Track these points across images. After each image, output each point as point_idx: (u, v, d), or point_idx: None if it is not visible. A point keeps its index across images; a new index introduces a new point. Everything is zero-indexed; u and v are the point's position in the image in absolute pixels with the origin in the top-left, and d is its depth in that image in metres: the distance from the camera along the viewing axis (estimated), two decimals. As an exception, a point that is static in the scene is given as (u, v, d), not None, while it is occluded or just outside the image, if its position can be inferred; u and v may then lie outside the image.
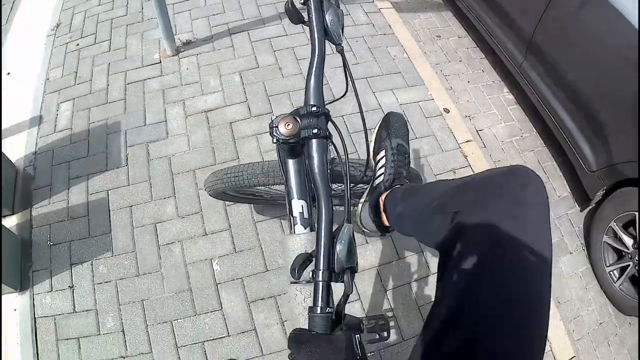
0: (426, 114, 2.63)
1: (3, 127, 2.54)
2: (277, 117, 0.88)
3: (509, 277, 0.76)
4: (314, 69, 0.97)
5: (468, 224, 0.85)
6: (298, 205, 1.02)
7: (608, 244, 2.24)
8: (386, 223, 1.36)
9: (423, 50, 3.02)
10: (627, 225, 2.18)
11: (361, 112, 1.01)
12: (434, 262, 2.09)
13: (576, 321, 2.15)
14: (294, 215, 1.01)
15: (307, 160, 0.92)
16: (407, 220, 1.22)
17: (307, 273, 0.84)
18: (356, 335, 0.79)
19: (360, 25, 3.05)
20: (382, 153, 1.45)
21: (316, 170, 0.89)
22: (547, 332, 0.75)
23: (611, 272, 2.23)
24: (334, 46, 1.03)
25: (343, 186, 1.77)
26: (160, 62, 2.77)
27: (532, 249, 0.77)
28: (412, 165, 2.37)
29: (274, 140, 0.88)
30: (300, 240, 0.94)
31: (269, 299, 1.97)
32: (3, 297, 1.99)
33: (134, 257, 2.07)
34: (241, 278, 2.02)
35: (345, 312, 0.80)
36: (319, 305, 0.76)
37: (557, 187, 2.56)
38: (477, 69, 3.05)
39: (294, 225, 1.01)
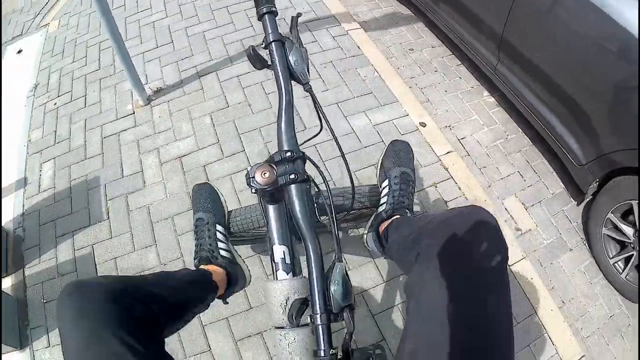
0: (402, 131, 2.71)
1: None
2: (252, 166, 0.90)
3: (470, 315, 0.82)
4: (283, 113, 1.01)
5: (430, 269, 0.88)
6: (280, 251, 1.03)
7: (608, 235, 2.25)
8: None
9: (396, 66, 3.13)
10: (625, 215, 2.19)
11: (338, 144, 1.06)
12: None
13: (583, 318, 2.16)
14: (275, 261, 1.03)
15: (288, 205, 0.97)
16: (395, 252, 1.29)
17: (305, 317, 0.90)
18: None
19: (327, 50, 3.18)
20: (386, 182, 1.53)
21: (299, 215, 0.93)
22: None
23: (616, 264, 2.23)
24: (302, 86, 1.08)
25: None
26: (134, 112, 2.94)
27: (491, 288, 0.83)
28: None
29: (253, 191, 0.91)
30: (283, 286, 0.96)
31: (256, 335, 2.07)
32: (4, 357, 2.14)
33: (121, 308, 2.20)
34: (226, 318, 2.12)
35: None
36: (323, 348, 0.81)
37: (550, 185, 2.59)
38: (454, 77, 3.13)
39: (276, 271, 1.02)
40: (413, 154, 1.63)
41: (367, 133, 2.69)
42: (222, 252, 1.51)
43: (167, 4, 3.72)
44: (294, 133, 1.01)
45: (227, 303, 1.54)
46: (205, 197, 1.61)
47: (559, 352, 2.02)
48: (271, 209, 1.05)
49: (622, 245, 2.24)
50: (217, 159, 2.63)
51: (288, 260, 1.03)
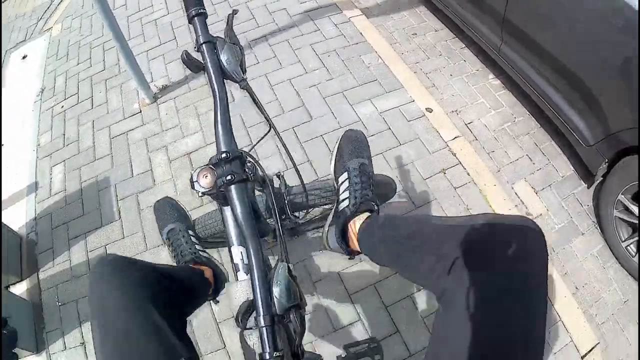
0: (408, 117, 2.67)
1: (3, 198, 2.75)
2: (195, 170, 0.91)
3: (507, 322, 0.78)
4: (218, 114, 1.00)
5: (471, 277, 0.84)
6: (237, 252, 1.02)
7: (620, 218, 2.18)
8: (355, 248, 1.36)
9: (399, 52, 3.08)
10: (637, 196, 2.10)
11: (284, 146, 1.08)
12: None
13: (598, 304, 2.11)
14: (235, 262, 1.01)
15: (230, 206, 0.93)
16: (385, 251, 1.21)
17: (252, 320, 0.87)
18: None
19: (330, 39, 3.14)
20: (345, 175, 1.42)
21: (240, 216, 0.91)
22: None
23: (628, 247, 2.16)
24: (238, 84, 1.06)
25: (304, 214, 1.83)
26: (141, 111, 2.93)
27: (530, 308, 0.80)
28: (397, 173, 2.41)
29: (199, 195, 0.91)
30: (242, 287, 0.93)
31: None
32: (22, 360, 2.16)
33: (137, 307, 2.19)
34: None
35: (307, 348, 0.83)
36: (267, 351, 0.78)
37: (559, 167, 2.53)
38: (459, 60, 3.06)
39: (237, 272, 1.01)
40: (367, 143, 1.50)
41: (373, 121, 2.65)
42: (202, 253, 1.50)
43: (168, 1, 3.69)
44: (231, 133, 1.00)
45: (219, 302, 1.51)
46: (170, 209, 1.61)
47: (574, 340, 1.98)
48: (226, 210, 1.04)
49: (634, 228, 2.16)
50: (224, 153, 2.58)
51: (246, 261, 1.00)
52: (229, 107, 1.03)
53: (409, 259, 1.08)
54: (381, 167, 2.44)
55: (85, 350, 2.14)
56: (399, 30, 3.27)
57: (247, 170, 0.97)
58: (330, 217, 1.46)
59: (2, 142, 3.09)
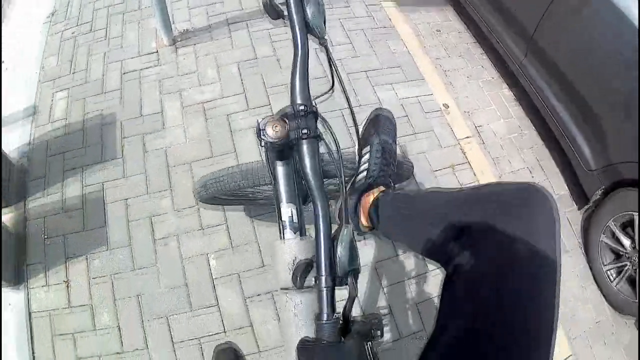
0: (425, 109, 2.61)
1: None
2: (263, 119, 0.84)
3: (517, 288, 0.75)
4: (298, 66, 0.93)
5: (478, 243, 0.83)
6: (287, 210, 0.98)
7: (606, 243, 2.23)
8: (365, 222, 1.34)
9: (423, 45, 3.00)
10: (625, 226, 2.16)
11: (350, 106, 1.01)
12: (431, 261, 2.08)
13: (573, 320, 2.14)
14: (283, 219, 0.98)
15: (298, 162, 0.90)
16: (398, 226, 1.21)
17: (309, 279, 0.84)
18: (368, 343, 0.76)
19: (360, 17, 3.02)
20: (367, 149, 1.41)
21: (309, 172, 0.87)
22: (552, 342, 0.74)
23: (608, 272, 2.22)
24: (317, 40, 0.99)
25: (335, 181, 1.75)
26: (157, 51, 2.73)
27: (542, 269, 0.77)
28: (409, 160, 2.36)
29: (262, 144, 0.84)
30: (290, 246, 0.91)
31: (266, 294, 1.96)
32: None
33: (130, 251, 2.04)
34: (238, 274, 2.00)
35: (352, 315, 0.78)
36: (326, 312, 0.74)
37: (556, 186, 2.53)
38: (477, 65, 3.02)
39: (284, 229, 0.98)
40: (396, 125, 1.51)
41: (392, 106, 2.56)
42: None
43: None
44: (308, 88, 0.92)
45: None
46: None
47: None
48: (279, 165, 0.98)
49: (617, 255, 2.22)
50: (241, 109, 2.46)
51: (295, 220, 0.97)
52: (308, 60, 0.94)
53: (416, 232, 1.07)
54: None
55: (67, 289, 1.97)
56: (424, 24, 3.19)
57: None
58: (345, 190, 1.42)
59: (3, 60, 2.82)
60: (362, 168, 1.39)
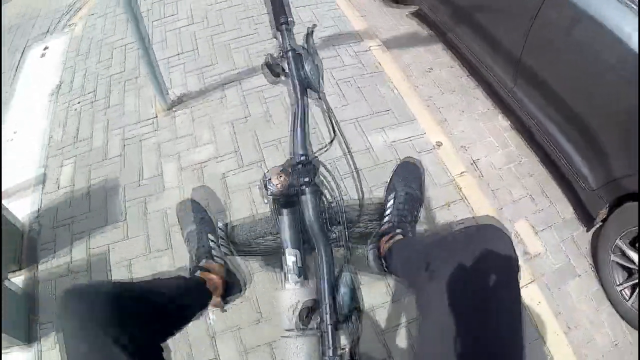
0: (418, 149, 2.67)
1: (10, 186, 2.72)
2: (269, 170, 0.91)
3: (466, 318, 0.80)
4: (298, 120, 1.01)
5: (433, 292, 0.87)
6: (292, 255, 1.02)
7: (616, 262, 2.18)
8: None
9: (414, 85, 3.09)
10: (634, 242, 2.11)
11: (350, 155, 1.08)
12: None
13: (589, 345, 2.09)
14: (287, 264, 1.02)
15: (301, 210, 0.96)
16: (400, 270, 1.27)
17: (313, 321, 0.89)
18: None
19: (348, 66, 3.15)
20: (392, 195, 1.51)
21: (312, 219, 0.93)
22: None
23: (622, 291, 2.16)
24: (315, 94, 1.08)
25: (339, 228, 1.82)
26: (156, 117, 2.92)
27: (499, 306, 0.80)
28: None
29: (269, 194, 0.91)
30: (294, 290, 0.96)
31: (264, 345, 2.02)
32: (11, 351, 2.08)
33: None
34: (237, 328, 2.07)
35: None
36: (330, 352, 0.80)
37: (561, 210, 2.52)
38: (471, 98, 3.08)
39: (288, 274, 1.01)
40: (424, 177, 1.59)
41: (383, 150, 2.65)
42: (216, 259, 1.47)
43: (194, 11, 3.70)
44: (309, 140, 1.01)
45: (226, 311, 1.52)
46: (192, 211, 1.60)
47: None
48: (285, 213, 1.04)
49: (630, 273, 2.16)
50: (236, 167, 2.59)
51: (299, 264, 1.02)
52: (308, 115, 1.04)
53: (414, 275, 1.10)
54: (388, 196, 2.42)
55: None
56: (415, 64, 3.29)
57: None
58: (372, 236, 1.51)
59: (14, 131, 3.06)
60: (386, 218, 1.47)
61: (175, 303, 1.15)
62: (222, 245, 1.56)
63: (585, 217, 2.46)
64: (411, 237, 1.41)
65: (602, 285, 2.29)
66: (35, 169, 2.81)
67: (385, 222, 1.47)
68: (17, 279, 2.33)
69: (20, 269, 2.38)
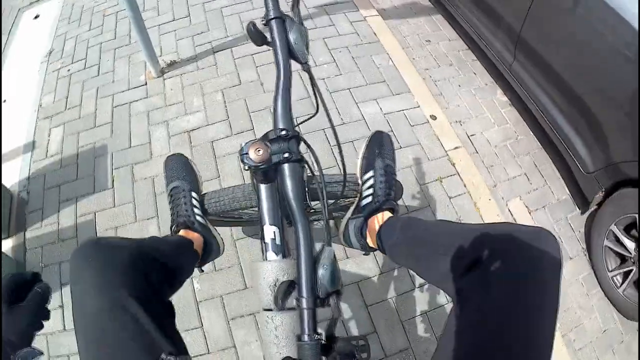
0: (411, 122, 2.68)
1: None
2: (247, 143, 0.87)
3: (523, 323, 0.81)
4: (280, 91, 0.97)
5: (489, 278, 0.85)
6: (270, 232, 1.01)
7: (609, 248, 2.20)
8: (372, 244, 1.40)
9: (411, 57, 3.08)
10: (629, 228, 2.13)
11: (332, 127, 1.03)
12: (417, 277, 2.13)
13: (577, 330, 2.12)
14: (265, 241, 1.01)
15: (280, 185, 0.93)
16: (404, 252, 1.25)
17: (291, 300, 0.87)
18: None
19: (344, 35, 3.14)
20: (370, 173, 1.47)
21: (291, 195, 0.90)
22: None
23: (614, 277, 2.18)
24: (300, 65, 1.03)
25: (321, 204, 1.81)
26: (146, 84, 2.93)
27: (545, 305, 0.83)
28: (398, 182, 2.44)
29: (245, 167, 0.88)
30: (272, 268, 0.94)
31: (248, 316, 2.07)
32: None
33: (119, 277, 2.20)
34: (221, 296, 2.12)
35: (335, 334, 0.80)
36: (307, 333, 0.77)
37: (556, 190, 2.53)
38: (469, 72, 3.07)
39: (266, 251, 1.01)
40: (393, 146, 1.57)
41: (377, 121, 2.66)
42: (198, 218, 1.48)
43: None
44: (291, 112, 0.97)
45: (203, 271, 1.57)
46: (180, 167, 1.58)
47: None
48: (263, 188, 1.03)
49: (622, 259, 2.18)
50: (225, 135, 2.61)
51: (278, 242, 1.01)
52: (291, 85, 1.00)
53: (427, 260, 1.10)
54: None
55: (62, 314, 2.14)
56: (412, 35, 3.27)
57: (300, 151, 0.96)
58: (350, 212, 1.49)
59: (4, 99, 3.08)
60: (366, 193, 1.45)
61: (175, 261, 1.16)
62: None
63: (581, 199, 2.47)
64: (410, 217, 1.37)
65: (593, 269, 2.31)
66: (24, 136, 2.84)
67: (368, 200, 1.44)
68: (6, 246, 2.38)
69: (8, 236, 2.42)
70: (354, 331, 2.03)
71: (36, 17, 3.73)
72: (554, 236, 0.88)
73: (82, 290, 0.89)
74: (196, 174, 1.61)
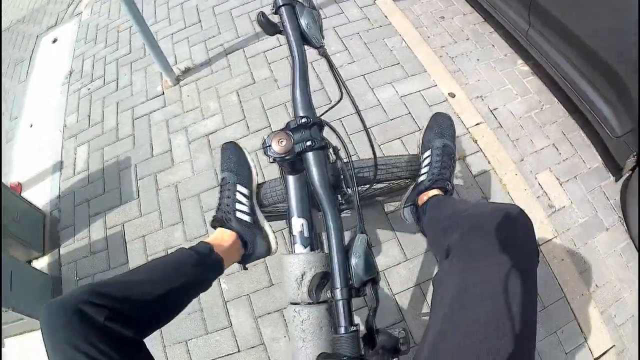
0: (429, 102, 2.66)
1: (30, 176, 2.95)
2: (269, 135, 0.88)
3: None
4: (297, 79, 0.97)
5: (449, 268, 0.88)
6: (298, 224, 1.02)
7: None
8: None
9: (425, 35, 3.04)
10: None
11: (358, 112, 1.02)
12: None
13: (618, 304, 2.04)
14: (293, 234, 1.02)
15: (307, 174, 0.92)
16: (428, 230, 1.31)
17: (326, 293, 0.89)
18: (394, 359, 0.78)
19: (354, 21, 3.14)
20: (428, 152, 1.53)
21: (317, 183, 0.89)
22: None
23: None
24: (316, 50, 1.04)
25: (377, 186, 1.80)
26: (163, 93, 3.03)
27: (520, 292, 0.80)
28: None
29: (270, 160, 0.88)
30: (299, 261, 0.94)
31: (275, 312, 2.11)
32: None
33: (151, 284, 2.29)
34: (248, 294, 2.17)
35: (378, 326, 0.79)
36: (343, 325, 0.77)
37: (587, 158, 2.44)
38: (487, 45, 3.00)
39: (294, 244, 1.01)
40: (455, 128, 1.62)
41: (393, 105, 2.65)
42: (239, 215, 1.42)
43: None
44: (310, 98, 0.97)
45: (247, 269, 1.53)
46: (230, 157, 1.56)
47: (588, 341, 1.92)
48: (291, 179, 1.03)
49: None
50: (242, 135, 2.66)
51: (306, 234, 1.01)
52: (308, 72, 1.00)
53: (438, 243, 1.13)
54: (399, 151, 2.43)
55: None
56: (425, 14, 3.23)
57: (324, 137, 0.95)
58: (408, 192, 1.54)
59: (30, 123, 3.26)
60: (423, 171, 1.50)
61: (171, 284, 1.12)
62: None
63: (613, 166, 2.37)
64: (446, 197, 1.43)
65: (632, 239, 2.22)
66: (52, 157, 2.99)
67: (423, 176, 1.49)
68: (41, 264, 2.52)
69: (43, 255, 2.57)
70: (382, 321, 2.02)
71: (54, 41, 3.91)
72: (529, 220, 0.89)
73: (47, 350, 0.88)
74: (249, 166, 1.57)
